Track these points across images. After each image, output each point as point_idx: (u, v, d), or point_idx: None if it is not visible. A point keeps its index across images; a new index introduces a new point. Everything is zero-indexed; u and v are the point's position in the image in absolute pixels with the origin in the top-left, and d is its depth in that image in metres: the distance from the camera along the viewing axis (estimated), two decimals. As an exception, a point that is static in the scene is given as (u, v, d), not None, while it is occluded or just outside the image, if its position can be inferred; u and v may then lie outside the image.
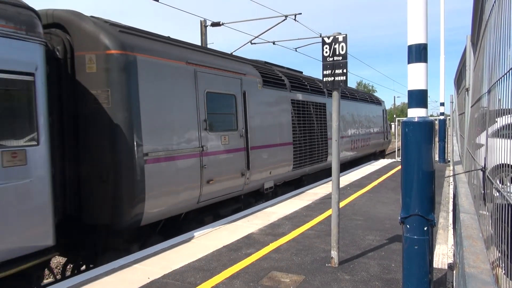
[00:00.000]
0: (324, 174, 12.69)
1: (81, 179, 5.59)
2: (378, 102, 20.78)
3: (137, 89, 5.72)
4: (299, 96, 11.02)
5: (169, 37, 7.26)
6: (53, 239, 4.64)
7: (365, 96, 19.29)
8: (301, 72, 13.27)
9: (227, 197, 7.86)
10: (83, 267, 6.15)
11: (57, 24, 5.57)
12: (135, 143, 5.64)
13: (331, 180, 4.90)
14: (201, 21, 15.00)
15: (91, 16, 5.88)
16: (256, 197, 9.25)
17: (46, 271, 5.76)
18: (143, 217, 5.80)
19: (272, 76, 9.88)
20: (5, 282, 4.28)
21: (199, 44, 14.37)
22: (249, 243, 5.62)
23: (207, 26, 14.93)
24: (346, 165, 15.59)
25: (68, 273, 6.29)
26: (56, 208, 4.81)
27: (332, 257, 4.67)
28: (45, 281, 5.67)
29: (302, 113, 11.09)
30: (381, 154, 22.05)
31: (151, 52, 6.10)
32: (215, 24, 14.53)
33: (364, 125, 17.45)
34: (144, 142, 5.77)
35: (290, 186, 10.99)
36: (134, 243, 6.12)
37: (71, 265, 6.28)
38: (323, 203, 8.26)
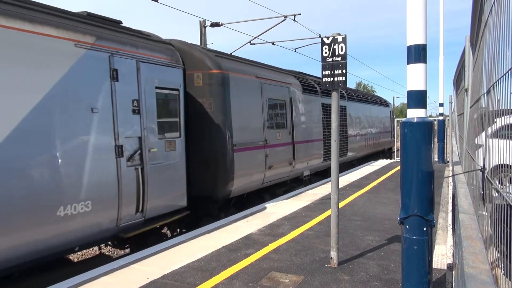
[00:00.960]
0: (344, 166, 15.43)
1: (189, 164, 7.42)
2: (386, 104, 23.30)
3: (229, 98, 7.97)
4: (327, 100, 13.24)
5: (243, 58, 9.54)
6: (186, 201, 7.02)
7: (376, 99, 21.50)
8: None
9: (279, 181, 10.14)
10: (183, 230, 7.97)
11: None
12: (228, 137, 7.85)
13: (330, 181, 4.91)
14: (200, 21, 14.99)
15: (193, 44, 8.20)
16: (297, 182, 11.51)
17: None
18: (232, 192, 8.02)
19: (308, 84, 12.36)
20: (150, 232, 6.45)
21: (199, 44, 14.43)
22: (248, 243, 5.62)
23: (206, 26, 14.92)
24: (360, 160, 17.84)
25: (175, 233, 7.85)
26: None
27: (331, 258, 4.67)
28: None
29: (329, 114, 13.07)
30: (388, 151, 23.73)
31: (236, 70, 8.35)
32: (215, 25, 14.52)
33: (375, 125, 19.56)
34: (233, 136, 7.97)
35: (319, 176, 13.07)
36: (221, 211, 8.22)
37: (178, 230, 7.94)
38: (323, 203, 8.26)
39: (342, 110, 14.94)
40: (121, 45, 5.75)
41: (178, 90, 6.85)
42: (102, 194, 5.29)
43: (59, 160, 4.78)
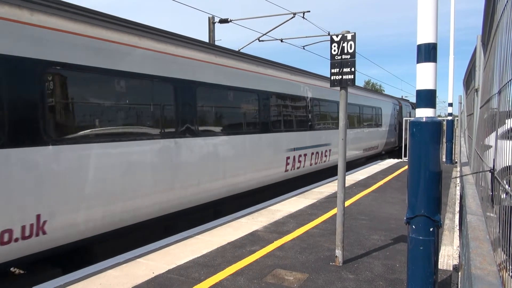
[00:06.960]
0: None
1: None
2: None
3: (402, 112, 27.10)
4: (410, 109, 30.26)
5: (402, 98, 36.03)
6: (397, 144, 25.54)
7: None
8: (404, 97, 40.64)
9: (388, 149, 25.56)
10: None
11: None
12: (398, 126, 25.27)
13: (336, 179, 4.89)
14: (209, 17, 15.00)
15: (393, 96, 29.40)
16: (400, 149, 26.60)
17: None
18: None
19: (406, 102, 30.70)
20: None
21: (207, 41, 14.46)
22: (253, 240, 5.63)
23: (215, 22, 14.92)
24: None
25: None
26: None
27: (336, 256, 4.67)
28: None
29: (409, 117, 25.99)
30: None
31: (402, 102, 29.14)
32: (223, 21, 14.51)
33: None
34: (402, 125, 24.02)
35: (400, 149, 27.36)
36: (385, 155, 23.38)
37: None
38: (328, 201, 8.25)
39: (413, 114, 29.78)
40: (393, 102, 25.01)
41: (397, 110, 24.97)
42: (391, 140, 23.34)
43: (387, 131, 22.39)
